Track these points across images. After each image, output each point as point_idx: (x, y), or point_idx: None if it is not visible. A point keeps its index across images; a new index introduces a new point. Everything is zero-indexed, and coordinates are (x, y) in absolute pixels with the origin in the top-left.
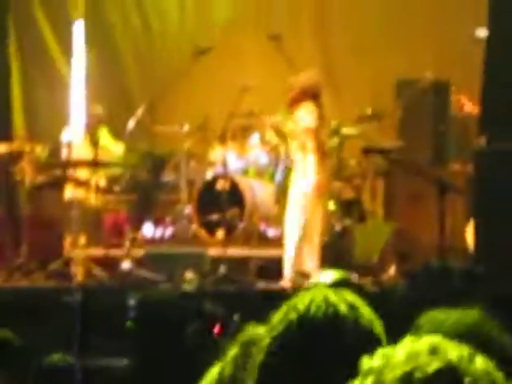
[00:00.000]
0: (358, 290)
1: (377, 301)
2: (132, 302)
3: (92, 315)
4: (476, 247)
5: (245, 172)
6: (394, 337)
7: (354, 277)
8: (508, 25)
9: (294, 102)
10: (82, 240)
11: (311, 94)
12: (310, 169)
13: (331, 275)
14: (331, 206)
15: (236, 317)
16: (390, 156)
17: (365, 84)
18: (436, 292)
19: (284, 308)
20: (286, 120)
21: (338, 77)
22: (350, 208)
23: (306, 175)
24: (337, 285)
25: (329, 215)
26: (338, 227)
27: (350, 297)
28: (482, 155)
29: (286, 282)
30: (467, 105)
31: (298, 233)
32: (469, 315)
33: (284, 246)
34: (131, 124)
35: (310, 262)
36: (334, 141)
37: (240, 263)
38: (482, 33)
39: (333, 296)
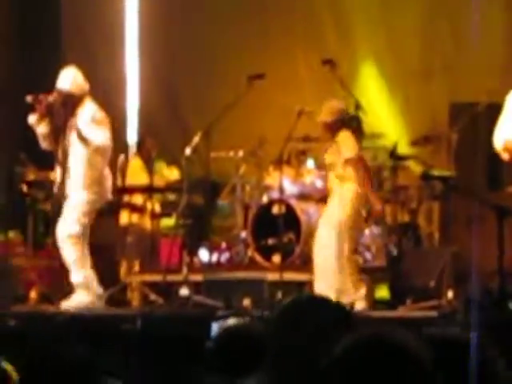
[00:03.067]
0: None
1: (437, 326)
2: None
3: (152, 343)
4: None
5: (301, 196)
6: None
7: None
8: None
9: (332, 130)
10: (137, 266)
11: (342, 123)
12: (347, 199)
13: None
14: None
15: None
16: (447, 182)
17: (420, 107)
18: (495, 317)
19: None
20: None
21: (393, 100)
22: (406, 232)
23: (342, 205)
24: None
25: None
26: (394, 251)
27: None
28: None
29: None
30: None
31: (334, 263)
32: None
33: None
34: (188, 151)
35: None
36: (390, 163)
37: (296, 288)
38: None
39: None
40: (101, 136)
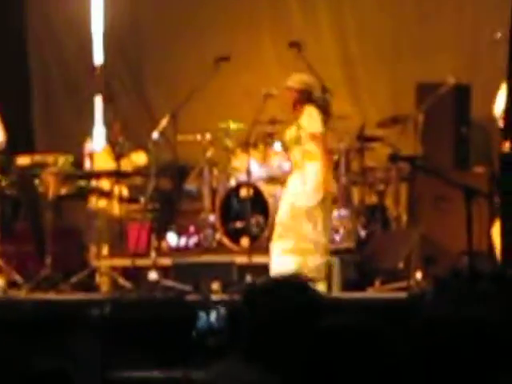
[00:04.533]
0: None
1: (406, 306)
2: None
3: (120, 328)
4: (503, 250)
5: (268, 179)
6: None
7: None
8: None
9: (297, 100)
10: (106, 250)
11: (309, 96)
12: (313, 176)
13: None
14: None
15: None
16: (415, 163)
17: (385, 89)
18: (465, 296)
19: None
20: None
21: (359, 82)
22: (373, 214)
23: (307, 182)
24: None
25: (332, 223)
26: (362, 233)
27: None
28: (506, 160)
29: None
30: None
31: (304, 245)
32: None
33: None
34: (155, 135)
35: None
36: (356, 145)
37: (265, 271)
38: (502, 35)
39: None
40: None
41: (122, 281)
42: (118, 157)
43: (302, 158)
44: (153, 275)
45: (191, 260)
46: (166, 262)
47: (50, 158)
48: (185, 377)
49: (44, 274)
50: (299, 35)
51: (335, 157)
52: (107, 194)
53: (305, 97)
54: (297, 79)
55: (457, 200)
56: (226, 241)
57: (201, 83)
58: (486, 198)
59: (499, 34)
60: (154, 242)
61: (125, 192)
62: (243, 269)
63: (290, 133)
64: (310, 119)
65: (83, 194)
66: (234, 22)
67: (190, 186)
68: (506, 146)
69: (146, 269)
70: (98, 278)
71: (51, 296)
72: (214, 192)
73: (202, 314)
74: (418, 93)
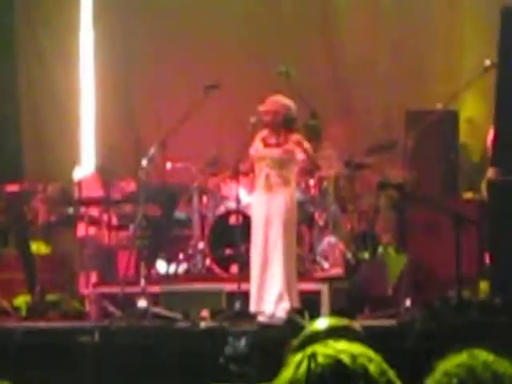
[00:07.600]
0: (359, 337)
1: (395, 334)
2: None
3: (110, 355)
4: (492, 279)
5: None
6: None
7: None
8: None
9: (276, 123)
10: (95, 278)
11: (288, 118)
12: (293, 205)
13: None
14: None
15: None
16: (404, 190)
17: (376, 115)
18: (454, 324)
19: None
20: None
21: (349, 109)
22: (363, 241)
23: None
24: (335, 332)
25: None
26: (351, 260)
27: (356, 349)
28: (495, 186)
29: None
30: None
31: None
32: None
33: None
34: (144, 162)
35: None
36: (346, 172)
37: None
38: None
39: (337, 350)
40: None
41: (111, 308)
42: (107, 184)
43: (281, 183)
44: (142, 303)
45: (180, 287)
46: (155, 289)
47: (39, 186)
48: None
49: (33, 302)
50: (290, 62)
51: (325, 183)
52: (96, 222)
53: (282, 120)
54: (271, 103)
55: (446, 226)
56: (215, 268)
57: (190, 110)
58: (474, 225)
59: (488, 62)
60: (144, 270)
61: (114, 220)
62: (232, 296)
63: (280, 154)
64: (304, 144)
65: (72, 222)
66: (224, 50)
67: (180, 213)
68: (494, 172)
69: (136, 296)
70: (87, 306)
71: (41, 324)
72: (203, 219)
73: (231, 340)
74: (408, 120)
